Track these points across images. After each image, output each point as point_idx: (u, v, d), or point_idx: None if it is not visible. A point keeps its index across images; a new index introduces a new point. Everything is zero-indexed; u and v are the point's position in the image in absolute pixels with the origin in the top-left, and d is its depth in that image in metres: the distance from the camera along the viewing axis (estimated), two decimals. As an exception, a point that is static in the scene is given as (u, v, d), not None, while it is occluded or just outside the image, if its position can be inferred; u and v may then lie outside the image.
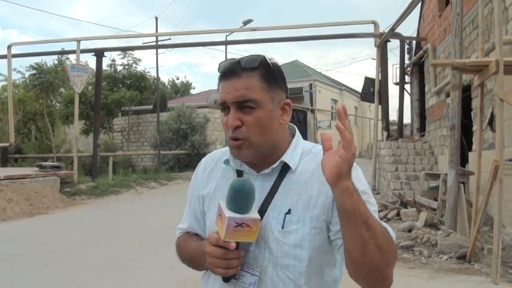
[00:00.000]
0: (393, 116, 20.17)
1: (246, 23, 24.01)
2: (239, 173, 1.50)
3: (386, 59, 16.37)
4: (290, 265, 1.38)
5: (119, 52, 26.96)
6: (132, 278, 6.07)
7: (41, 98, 23.04)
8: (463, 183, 8.14)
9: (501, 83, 6.01)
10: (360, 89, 20.55)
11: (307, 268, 1.38)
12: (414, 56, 17.09)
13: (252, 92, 1.37)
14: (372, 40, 16.66)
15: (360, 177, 1.39)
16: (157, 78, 25.85)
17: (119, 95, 25.14)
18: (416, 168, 13.26)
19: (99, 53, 18.63)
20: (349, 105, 42.14)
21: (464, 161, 9.52)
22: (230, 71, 1.40)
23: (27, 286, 5.79)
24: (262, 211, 1.39)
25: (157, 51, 24.21)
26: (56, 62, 23.59)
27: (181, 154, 23.45)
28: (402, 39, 16.66)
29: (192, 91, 47.41)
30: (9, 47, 18.42)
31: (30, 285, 5.82)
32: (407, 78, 18.13)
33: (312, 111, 35.23)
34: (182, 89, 47.04)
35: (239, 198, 1.30)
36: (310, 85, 35.54)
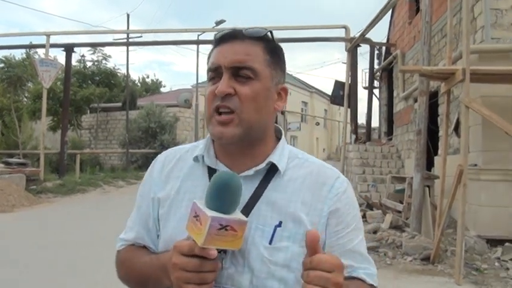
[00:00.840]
0: (362, 120, 20.44)
1: (218, 23, 23.98)
2: (212, 173, 1.22)
3: (356, 63, 16.59)
4: None
5: (89, 48, 26.58)
6: (95, 280, 5.95)
7: (8, 92, 22.51)
8: (428, 186, 8.33)
9: (467, 91, 6.19)
10: (330, 92, 20.75)
11: None
12: (384, 61, 17.37)
13: (252, 59, 1.18)
14: (342, 44, 16.86)
15: (353, 202, 1.25)
16: (128, 76, 25.61)
17: (88, 91, 24.77)
18: (383, 171, 13.49)
19: (68, 48, 18.34)
20: (319, 108, 42.51)
21: (430, 165, 9.74)
22: (231, 35, 1.21)
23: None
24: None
25: (128, 48, 24.01)
26: (25, 55, 23.12)
27: (151, 153, 23.24)
28: (372, 45, 16.93)
29: (163, 89, 47.08)
30: (-25, 39, 18.00)
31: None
32: (376, 83, 18.43)
33: (283, 112, 35.33)
34: (152, 87, 46.60)
35: (224, 195, 1.05)
36: (281, 87, 35.63)
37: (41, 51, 20.51)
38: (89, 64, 28.03)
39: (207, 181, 1.17)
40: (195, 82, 26.71)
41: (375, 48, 17.50)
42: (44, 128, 18.03)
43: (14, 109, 21.44)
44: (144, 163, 23.10)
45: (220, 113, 1.16)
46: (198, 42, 22.35)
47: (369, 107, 17.61)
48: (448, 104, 7.11)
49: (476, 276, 6.16)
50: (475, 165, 7.73)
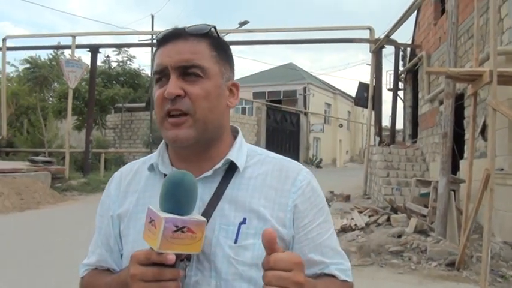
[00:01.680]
0: (386, 122, 20.31)
1: (242, 24, 23.99)
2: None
3: (381, 64, 16.47)
4: None
5: (114, 49, 26.89)
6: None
7: (34, 92, 22.92)
8: (453, 190, 8.21)
9: (494, 93, 6.06)
10: (353, 94, 20.66)
11: None
12: (409, 63, 17.19)
13: (200, 57, 1.13)
14: (366, 46, 16.75)
15: (318, 194, 1.21)
16: (152, 76, 25.77)
17: (113, 91, 25.07)
18: (407, 175, 13.33)
19: (94, 49, 18.60)
20: (343, 110, 42.31)
21: (455, 168, 9.59)
22: (173, 34, 1.16)
23: (10, 281, 5.77)
24: None
25: (152, 49, 24.14)
26: (51, 56, 23.51)
27: (174, 153, 23.38)
28: (397, 46, 16.77)
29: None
30: (4, 39, 18.36)
31: (12, 281, 5.79)
32: (401, 85, 18.24)
33: (305, 114, 35.29)
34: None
35: (178, 194, 0.99)
36: (304, 88, 35.62)
37: (66, 52, 20.83)
38: (113, 65, 28.45)
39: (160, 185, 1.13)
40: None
41: (400, 50, 17.33)
42: (69, 127, 18.32)
43: (40, 108, 21.83)
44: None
45: (172, 116, 1.11)
46: (221, 43, 22.41)
47: (393, 109, 17.45)
48: (474, 107, 6.98)
49: (502, 284, 6.05)
50: (502, 169, 7.58)
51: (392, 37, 15.64)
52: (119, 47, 26.03)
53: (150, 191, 1.19)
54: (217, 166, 1.15)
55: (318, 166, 32.90)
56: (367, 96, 16.76)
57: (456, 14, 8.00)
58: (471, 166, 6.76)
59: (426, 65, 13.78)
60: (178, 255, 0.98)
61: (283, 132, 32.80)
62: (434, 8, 14.16)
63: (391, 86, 18.36)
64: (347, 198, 13.60)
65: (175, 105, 1.10)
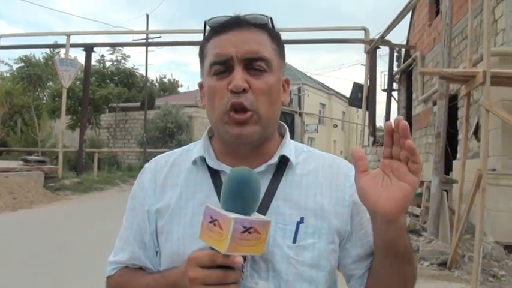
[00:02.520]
0: (380, 122, 20.34)
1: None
2: (215, 175, 1.12)
3: (375, 65, 16.50)
4: None
5: (108, 48, 26.83)
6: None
7: (28, 91, 22.85)
8: (446, 191, 8.23)
9: (487, 94, 6.09)
10: (348, 94, 20.68)
11: None
12: (403, 63, 17.24)
13: (265, 49, 1.07)
14: (361, 46, 16.78)
15: None
16: (146, 76, 25.76)
17: (107, 91, 25.03)
18: (401, 175, 13.34)
19: (88, 48, 18.54)
20: (337, 110, 42.38)
21: (448, 169, 9.62)
22: (234, 22, 1.09)
23: (1, 281, 5.75)
24: None
25: (147, 49, 24.14)
26: (45, 55, 23.44)
27: (168, 153, 23.35)
28: (392, 47, 16.81)
29: (180, 89, 47.37)
30: (-3, 38, 18.28)
31: (3, 281, 5.76)
32: (395, 85, 18.28)
33: (300, 114, 35.31)
34: (169, 87, 46.91)
35: (245, 193, 0.93)
36: (299, 88, 35.61)
37: (61, 51, 20.78)
38: (108, 64, 28.41)
39: (211, 184, 1.10)
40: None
41: (394, 50, 17.37)
42: (63, 126, 18.25)
43: (34, 107, 21.79)
44: (161, 163, 23.21)
45: (235, 111, 1.04)
46: (216, 43, 22.40)
47: (387, 109, 17.48)
48: (468, 108, 7.01)
49: (494, 283, 6.07)
50: (494, 169, 7.62)
51: (386, 38, 15.69)
52: (113, 46, 25.99)
53: (193, 185, 1.13)
54: (271, 162, 1.11)
55: (312, 166, 32.90)
56: (362, 97, 16.80)
57: (450, 15, 8.03)
58: (464, 166, 6.79)
59: (420, 65, 13.82)
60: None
61: (278, 132, 32.79)
62: (428, 9, 14.21)
63: (386, 87, 18.40)
64: (341, 199, 13.60)
65: (240, 99, 1.04)
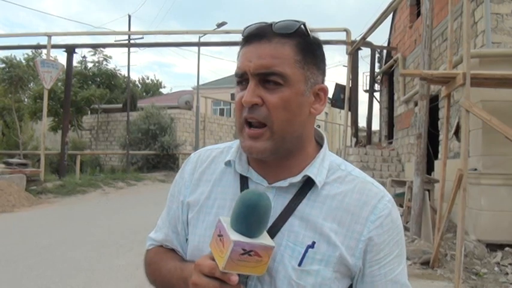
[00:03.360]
0: (362, 123, 20.45)
1: (220, 25, 23.98)
2: (243, 180, 1.14)
3: (357, 66, 16.59)
4: None
5: (90, 49, 26.59)
6: (95, 280, 6.00)
7: (9, 92, 22.53)
8: (428, 190, 8.32)
9: (467, 95, 6.19)
10: (330, 95, 20.75)
11: None
12: (384, 64, 17.38)
13: (281, 63, 1.04)
14: (343, 47, 16.86)
15: (397, 225, 1.12)
16: (128, 77, 25.60)
17: (89, 92, 24.79)
18: (383, 175, 13.49)
19: (70, 49, 18.34)
20: (320, 111, 42.42)
21: (430, 169, 9.73)
22: (257, 33, 1.07)
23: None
24: (271, 234, 1.04)
25: (129, 50, 24.00)
26: (27, 56, 23.14)
27: (151, 155, 23.27)
28: (373, 48, 16.95)
29: (163, 90, 47.14)
30: (-23, 39, 18.01)
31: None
32: (377, 86, 18.43)
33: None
34: (153, 88, 46.64)
35: (251, 217, 0.96)
36: (282, 89, 35.66)
37: (43, 52, 20.55)
38: (89, 65, 28.09)
39: (237, 189, 1.13)
40: (196, 84, 26.75)
41: (376, 52, 17.52)
42: (44, 128, 18.03)
43: (15, 109, 21.47)
44: (144, 164, 23.13)
45: (250, 125, 1.06)
46: (199, 44, 22.35)
47: (369, 110, 17.61)
48: (448, 108, 7.12)
49: (476, 281, 6.16)
50: (475, 169, 7.72)
51: (368, 39, 15.79)
52: (95, 47, 25.73)
53: (222, 186, 1.16)
54: (293, 180, 1.09)
55: (295, 167, 32.99)
56: (344, 98, 16.88)
57: (431, 17, 8.14)
58: (445, 166, 6.90)
59: (401, 67, 13.97)
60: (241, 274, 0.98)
61: (261, 133, 32.81)
62: (409, 11, 14.36)
63: (368, 88, 18.53)
64: (324, 199, 13.65)
65: (253, 114, 1.04)
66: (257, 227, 0.98)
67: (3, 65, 21.53)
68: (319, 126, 41.39)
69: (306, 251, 1.04)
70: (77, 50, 19.26)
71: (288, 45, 1.05)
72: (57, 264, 6.62)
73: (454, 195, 6.24)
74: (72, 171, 19.20)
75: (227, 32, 19.35)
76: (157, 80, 49.02)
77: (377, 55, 17.84)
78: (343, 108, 17.58)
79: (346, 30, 16.54)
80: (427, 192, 8.15)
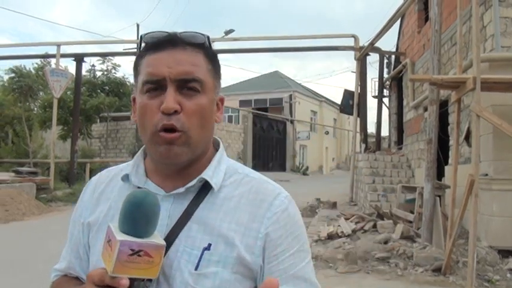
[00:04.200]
0: (371, 129, 20.42)
1: (227, 32, 24.08)
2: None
3: (366, 72, 16.58)
4: None
5: (99, 57, 26.77)
6: None
7: (19, 101, 22.71)
8: (439, 196, 8.26)
9: (478, 100, 6.14)
10: (339, 101, 20.75)
11: None
12: (393, 70, 17.32)
13: (199, 70, 1.06)
14: (351, 53, 16.86)
15: (295, 221, 1.13)
16: (136, 84, 25.70)
17: (98, 101, 24.92)
18: (393, 181, 13.41)
19: (79, 58, 18.49)
20: (329, 117, 42.49)
21: (440, 174, 9.66)
22: (169, 40, 1.07)
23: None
24: (169, 242, 1.02)
25: (138, 58, 24.10)
26: (36, 65, 23.32)
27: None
28: (382, 54, 16.91)
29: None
30: (-13, 49, 18.19)
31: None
32: (385, 92, 18.36)
33: (292, 122, 35.38)
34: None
35: (137, 216, 0.93)
36: (290, 96, 35.72)
37: (52, 61, 20.70)
38: (98, 74, 28.26)
39: None
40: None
41: (384, 57, 17.47)
42: (54, 137, 18.15)
43: (25, 118, 21.62)
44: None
45: (165, 130, 1.03)
46: (207, 52, 22.43)
47: (378, 116, 17.57)
48: (458, 113, 7.06)
49: (488, 288, 6.10)
50: (486, 174, 7.66)
51: (376, 45, 15.77)
52: (103, 55, 25.92)
53: (120, 201, 1.04)
54: (190, 184, 1.08)
55: (304, 173, 32.97)
56: (353, 104, 16.86)
57: (439, 22, 8.09)
58: (456, 172, 6.83)
59: (410, 72, 13.90)
60: (135, 278, 0.94)
61: (270, 140, 32.86)
62: (418, 16, 14.32)
63: (376, 93, 18.49)
64: (333, 205, 13.62)
65: (171, 121, 1.03)
66: (145, 226, 0.94)
67: (13, 75, 21.71)
68: (327, 133, 41.39)
69: (202, 254, 1.03)
70: (85, 58, 19.40)
71: (200, 55, 1.08)
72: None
73: (465, 201, 6.18)
74: (81, 179, 19.25)
75: (235, 39, 19.38)
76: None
77: (385, 61, 17.79)
78: (351, 114, 17.56)
79: (354, 36, 16.54)
80: (438, 198, 8.08)
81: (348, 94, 18.10)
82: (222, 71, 1.18)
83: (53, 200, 14.74)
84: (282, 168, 33.11)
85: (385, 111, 18.32)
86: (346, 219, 10.09)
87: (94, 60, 27.41)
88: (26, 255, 7.64)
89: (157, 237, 0.97)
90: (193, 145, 1.06)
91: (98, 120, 27.42)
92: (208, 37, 1.11)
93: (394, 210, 10.13)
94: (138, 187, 1.11)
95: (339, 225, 9.33)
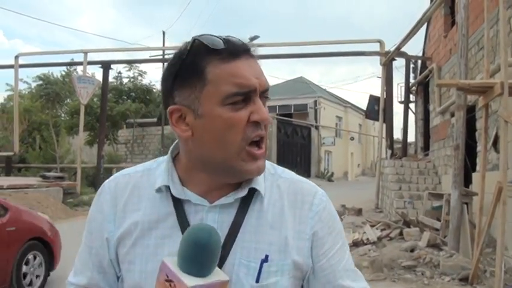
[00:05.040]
0: (397, 135, 20.19)
1: (252, 39, 24.13)
2: (178, 204, 1.05)
3: (392, 77, 16.43)
4: None
5: (125, 65, 27.15)
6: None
7: (47, 108, 23.18)
8: (466, 203, 8.12)
9: (506, 105, 6.02)
10: (364, 107, 20.62)
11: None
12: (419, 75, 17.13)
13: None
14: (376, 59, 16.75)
15: (334, 217, 1.15)
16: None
17: (124, 107, 25.28)
18: (419, 188, 13.22)
19: (105, 65, 18.78)
20: (354, 123, 42.24)
21: (467, 181, 9.49)
22: (245, 49, 1.01)
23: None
24: (222, 256, 0.99)
25: (163, 65, 24.34)
26: (63, 73, 23.78)
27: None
28: (408, 58, 16.73)
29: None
30: (16, 57, 18.59)
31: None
32: (412, 97, 18.15)
33: (316, 127, 35.26)
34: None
35: (202, 258, 0.91)
36: (315, 102, 35.62)
37: (79, 68, 21.08)
38: (125, 80, 28.69)
39: (174, 216, 1.04)
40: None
41: (410, 62, 17.29)
42: (81, 142, 18.46)
43: (52, 124, 22.08)
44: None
45: (258, 145, 1.00)
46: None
47: (404, 121, 17.37)
48: (486, 119, 6.92)
49: (517, 298, 5.95)
50: (515, 181, 7.49)
51: (402, 50, 15.62)
52: (130, 63, 26.30)
53: (156, 214, 1.05)
54: (240, 194, 1.04)
55: (329, 180, 32.78)
56: (378, 109, 16.72)
57: (466, 26, 7.97)
58: (483, 179, 6.69)
59: (437, 77, 13.72)
60: None
61: (295, 145, 32.78)
62: (444, 20, 14.14)
63: (402, 99, 18.28)
64: (359, 212, 13.49)
65: (264, 132, 1.00)
66: (210, 266, 0.92)
67: (41, 82, 22.16)
68: (352, 139, 41.13)
69: (261, 267, 1.01)
70: (112, 66, 19.68)
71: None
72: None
73: (493, 209, 6.04)
74: (108, 184, 19.49)
75: (260, 46, 19.37)
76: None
77: (412, 66, 17.59)
78: (377, 119, 17.42)
79: (380, 42, 16.43)
80: (465, 206, 7.94)
81: (373, 99, 17.97)
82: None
83: (80, 205, 14.95)
84: (307, 174, 32.96)
85: (411, 117, 18.12)
86: (372, 226, 9.97)
87: (120, 67, 27.85)
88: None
89: (220, 273, 0.95)
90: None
91: (124, 126, 27.81)
92: None
93: (420, 218, 9.99)
94: (174, 198, 1.05)
95: (365, 232, 9.23)
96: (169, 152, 1.13)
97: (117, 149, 27.57)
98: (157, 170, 1.11)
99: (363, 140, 44.85)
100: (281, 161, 30.94)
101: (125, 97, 27.77)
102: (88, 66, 18.51)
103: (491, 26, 7.71)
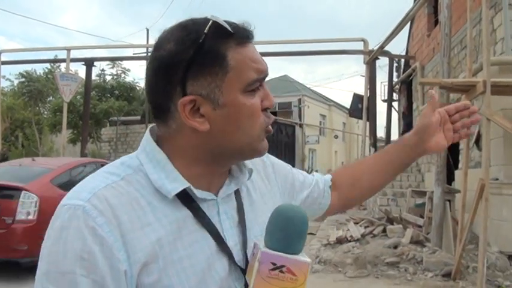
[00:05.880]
0: (381, 133, 20.31)
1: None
2: (190, 204, 0.93)
3: (375, 76, 16.49)
4: None
5: (108, 62, 26.95)
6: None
7: (29, 105, 22.92)
8: (449, 201, 8.20)
9: (488, 103, 6.09)
10: (348, 105, 20.69)
11: None
12: (403, 74, 17.26)
13: None
14: (360, 57, 16.79)
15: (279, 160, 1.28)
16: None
17: (107, 105, 25.09)
18: (403, 185, 13.33)
19: (89, 63, 18.56)
20: (338, 121, 42.41)
21: (450, 179, 9.59)
22: (250, 33, 0.95)
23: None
24: (244, 242, 0.96)
25: (147, 62, 24.26)
26: (46, 70, 23.54)
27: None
28: (391, 57, 16.83)
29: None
30: (-2, 54, 18.33)
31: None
32: (395, 96, 18.29)
33: (301, 126, 35.33)
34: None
35: (301, 233, 0.86)
36: (299, 100, 35.69)
37: (63, 66, 20.88)
38: (108, 78, 28.47)
39: (190, 216, 0.92)
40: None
41: (394, 61, 17.40)
42: (64, 140, 18.24)
43: (35, 122, 21.84)
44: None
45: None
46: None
47: (388, 120, 17.47)
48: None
49: (499, 293, 6.03)
50: (497, 179, 7.59)
51: (386, 48, 15.71)
52: (113, 60, 26.07)
53: (173, 221, 0.90)
54: (244, 179, 1.02)
55: (313, 177, 32.85)
56: (362, 108, 16.79)
57: (449, 25, 8.05)
58: (466, 176, 6.77)
59: (420, 76, 13.85)
60: None
61: (279, 143, 32.79)
62: (427, 19, 14.27)
63: (386, 97, 18.41)
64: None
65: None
66: (295, 243, 0.85)
67: (23, 79, 21.90)
68: (336, 137, 41.30)
69: None
70: (95, 63, 19.50)
71: None
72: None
73: (476, 206, 6.11)
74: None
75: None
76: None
77: (395, 64, 17.71)
78: (361, 118, 17.48)
79: (364, 40, 16.48)
80: (448, 203, 8.02)
81: (357, 98, 18.01)
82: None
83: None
84: (291, 172, 32.97)
85: (394, 115, 18.24)
86: (356, 223, 10.03)
87: (104, 64, 27.62)
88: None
89: (303, 256, 0.86)
90: None
91: (108, 124, 27.59)
92: None
93: (403, 215, 10.07)
94: (179, 199, 0.92)
95: (348, 230, 9.28)
96: (160, 151, 0.98)
97: (100, 147, 27.36)
98: (154, 172, 0.93)
99: (347, 138, 45.07)
100: (265, 159, 30.95)
101: (108, 95, 27.57)
102: (71, 64, 18.32)
103: (474, 25, 7.80)
